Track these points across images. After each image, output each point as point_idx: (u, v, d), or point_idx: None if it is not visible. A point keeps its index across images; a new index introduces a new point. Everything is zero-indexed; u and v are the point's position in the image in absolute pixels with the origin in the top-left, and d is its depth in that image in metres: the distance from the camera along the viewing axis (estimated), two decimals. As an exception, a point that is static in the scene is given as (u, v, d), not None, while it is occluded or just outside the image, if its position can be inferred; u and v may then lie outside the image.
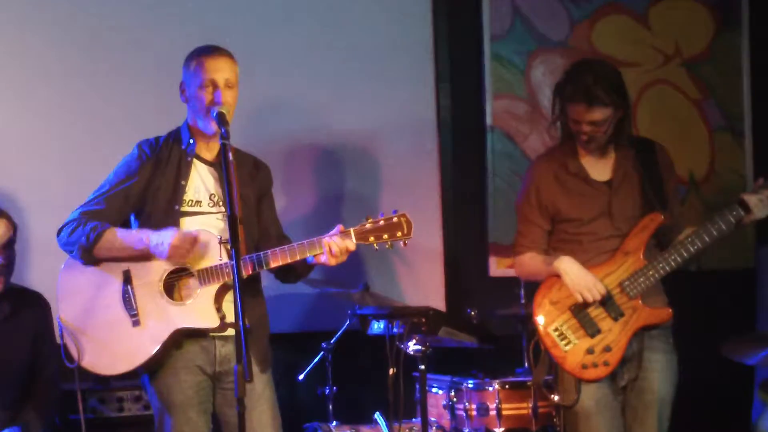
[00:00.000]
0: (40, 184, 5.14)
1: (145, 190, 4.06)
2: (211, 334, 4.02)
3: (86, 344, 3.98)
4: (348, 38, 5.58)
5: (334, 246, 3.91)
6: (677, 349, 4.38)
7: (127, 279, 4.01)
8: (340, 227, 3.97)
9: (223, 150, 3.79)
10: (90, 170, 4.88)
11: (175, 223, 4.02)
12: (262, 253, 3.99)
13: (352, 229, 3.96)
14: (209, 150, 4.11)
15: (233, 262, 3.58)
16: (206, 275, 3.96)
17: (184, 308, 3.97)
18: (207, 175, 4.10)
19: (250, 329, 3.97)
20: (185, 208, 4.05)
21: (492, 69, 5.80)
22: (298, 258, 3.97)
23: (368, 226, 3.95)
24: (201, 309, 3.95)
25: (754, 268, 5.89)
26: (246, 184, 4.13)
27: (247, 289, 4.03)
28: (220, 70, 4.03)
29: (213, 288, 3.97)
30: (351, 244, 3.93)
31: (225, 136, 3.84)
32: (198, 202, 4.07)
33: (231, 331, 3.97)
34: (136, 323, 3.97)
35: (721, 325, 5.34)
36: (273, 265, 3.98)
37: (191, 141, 4.09)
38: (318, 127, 5.53)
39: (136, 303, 3.98)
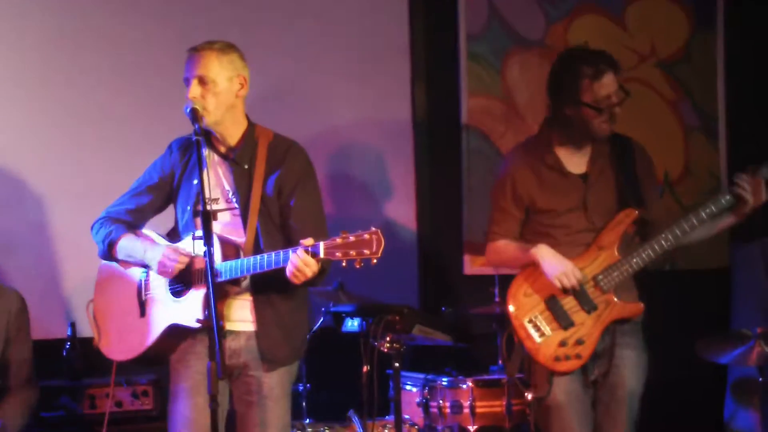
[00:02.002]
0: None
1: (171, 188, 4.11)
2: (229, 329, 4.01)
3: (105, 330, 4.14)
4: (323, 36, 5.57)
5: (297, 261, 3.75)
6: (649, 346, 4.39)
7: (146, 272, 4.10)
8: (309, 240, 3.75)
9: (197, 147, 3.80)
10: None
11: (190, 224, 4.04)
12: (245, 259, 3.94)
13: (322, 242, 3.74)
14: (222, 143, 4.07)
15: (207, 258, 3.60)
16: (199, 275, 3.95)
17: (179, 305, 3.99)
18: (225, 172, 4.07)
19: (259, 328, 3.99)
20: (199, 207, 3.96)
21: (468, 68, 5.81)
22: (265, 269, 3.83)
23: (339, 240, 3.72)
24: (189, 307, 3.95)
25: (729, 267, 5.91)
26: (267, 179, 4.05)
27: (258, 289, 4.01)
28: (192, 68, 4.02)
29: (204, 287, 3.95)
30: (313, 264, 3.73)
31: (198, 132, 3.85)
32: (215, 200, 4.03)
33: (240, 326, 4.01)
34: (143, 314, 4.06)
35: (695, 324, 5.35)
36: (243, 274, 3.89)
37: (207, 139, 4.06)
38: (292, 124, 5.47)
39: (146, 295, 4.08)
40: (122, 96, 5.25)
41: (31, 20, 5.16)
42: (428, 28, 5.77)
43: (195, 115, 3.91)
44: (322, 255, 3.71)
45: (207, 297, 3.72)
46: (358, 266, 3.71)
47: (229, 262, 3.89)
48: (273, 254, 3.81)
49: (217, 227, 3.93)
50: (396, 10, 5.71)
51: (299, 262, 3.73)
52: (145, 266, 4.08)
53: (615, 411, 4.30)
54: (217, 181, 4.04)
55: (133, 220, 4.13)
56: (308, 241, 3.73)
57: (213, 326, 3.54)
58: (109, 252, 4.11)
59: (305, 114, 5.51)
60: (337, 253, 3.70)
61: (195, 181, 4.02)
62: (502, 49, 5.85)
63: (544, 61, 5.77)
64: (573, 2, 5.93)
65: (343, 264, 3.72)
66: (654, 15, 6.05)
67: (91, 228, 4.18)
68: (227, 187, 4.05)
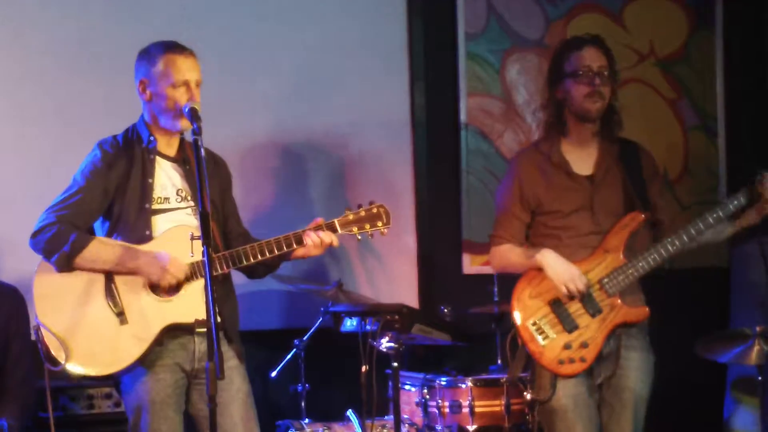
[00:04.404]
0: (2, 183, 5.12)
1: (115, 190, 4.03)
2: (198, 329, 3.97)
3: (71, 346, 3.91)
4: (322, 36, 5.56)
5: (325, 237, 4.03)
6: (653, 347, 4.38)
7: (110, 276, 3.97)
8: (320, 219, 4.07)
9: (195, 146, 3.77)
10: (51, 168, 4.94)
11: (147, 222, 4.01)
12: (241, 248, 3.99)
13: (336, 220, 4.08)
14: (170, 146, 4.11)
15: (205, 258, 3.58)
16: (194, 270, 3.94)
17: (172, 304, 3.95)
18: (171, 172, 4.08)
19: (228, 325, 4.00)
20: (155, 206, 4.04)
21: (467, 67, 5.80)
22: (277, 253, 4.01)
23: (351, 217, 4.10)
24: (191, 304, 3.92)
25: (728, 266, 5.90)
26: (209, 180, 4.10)
27: (222, 286, 4.03)
28: (192, 71, 4.02)
29: (200, 283, 3.93)
30: (336, 239, 4.07)
31: (197, 132, 3.82)
32: (166, 199, 4.06)
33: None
34: (123, 322, 3.93)
35: (694, 323, 5.35)
36: (252, 261, 3.98)
37: (152, 138, 4.07)
38: (292, 124, 5.51)
39: (121, 301, 3.95)
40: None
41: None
42: (427, 27, 5.76)
43: (195, 114, 3.89)
44: (339, 231, 4.08)
45: (206, 295, 3.70)
46: (369, 237, 4.13)
47: (239, 248, 3.99)
48: (282, 237, 4.03)
49: (169, 225, 4.02)
50: (394, 10, 5.70)
51: (326, 237, 4.05)
52: (110, 273, 3.95)
53: (620, 413, 4.27)
54: (166, 180, 4.07)
55: (82, 224, 4.01)
56: (320, 220, 4.07)
57: (212, 326, 3.51)
58: (72, 258, 3.92)
59: (304, 113, 5.51)
60: (354, 228, 4.10)
61: (150, 180, 4.03)
62: (501, 49, 5.84)
63: (543, 60, 5.78)
64: (572, 1, 5.93)
65: (358, 237, 4.12)
66: (653, 14, 6.05)
67: (38, 234, 3.95)
68: (179, 186, 4.07)
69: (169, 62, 4.01)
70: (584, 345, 4.24)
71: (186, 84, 3.99)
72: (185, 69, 4.00)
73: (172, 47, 4.05)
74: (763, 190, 4.24)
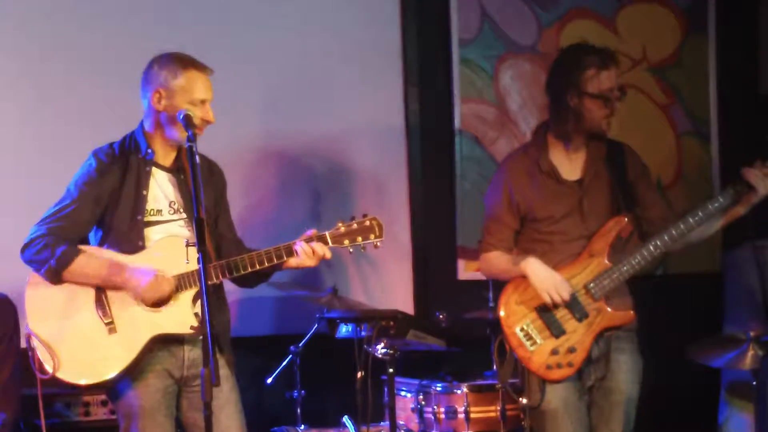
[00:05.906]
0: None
1: (108, 199, 4.02)
2: (188, 338, 3.98)
3: (61, 355, 3.92)
4: (316, 41, 5.57)
5: (317, 248, 3.99)
6: (642, 351, 4.40)
7: (100, 289, 3.97)
8: (313, 231, 4.02)
9: (190, 153, 3.76)
10: (47, 176, 4.88)
11: (140, 234, 4.00)
12: (235, 258, 3.98)
13: (327, 233, 4.03)
14: (167, 156, 4.09)
15: (200, 265, 3.58)
16: (184, 280, 3.94)
17: (161, 314, 3.94)
18: (165, 183, 4.07)
19: (219, 333, 3.99)
20: (148, 218, 4.03)
21: (460, 73, 5.81)
22: (268, 264, 3.99)
23: (342, 229, 4.04)
24: (179, 314, 3.93)
25: (720, 271, 5.92)
26: (204, 188, 4.09)
27: (215, 294, 4.03)
28: (210, 90, 4.02)
29: (190, 293, 3.95)
30: (328, 251, 4.02)
31: (192, 139, 3.82)
32: (159, 211, 4.05)
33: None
34: (111, 331, 3.94)
35: (688, 328, 5.36)
36: (245, 271, 3.97)
37: (149, 150, 4.06)
38: (285, 130, 5.52)
39: (110, 310, 3.95)
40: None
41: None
42: (420, 33, 5.76)
43: (189, 122, 3.89)
44: (330, 243, 4.03)
45: (200, 302, 3.70)
46: (362, 250, 4.08)
47: (233, 259, 3.98)
48: (273, 249, 4.00)
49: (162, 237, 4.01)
50: (388, 16, 5.71)
51: (319, 248, 4.00)
52: (100, 287, 3.96)
53: (610, 415, 4.31)
54: (159, 193, 4.06)
55: (74, 237, 4.01)
56: (311, 233, 4.01)
57: (207, 332, 3.50)
58: (59, 272, 3.93)
59: (298, 120, 5.51)
60: (345, 241, 4.04)
61: (144, 192, 4.01)
62: (494, 55, 5.85)
63: (537, 66, 5.81)
64: (565, 7, 5.93)
65: (350, 250, 4.06)
66: (646, 20, 6.06)
67: (27, 247, 3.97)
68: (171, 198, 4.07)
69: (192, 79, 4.00)
70: (572, 350, 4.26)
71: (203, 102, 4.00)
72: (205, 89, 4.01)
73: (196, 64, 4.04)
74: (750, 177, 4.26)
